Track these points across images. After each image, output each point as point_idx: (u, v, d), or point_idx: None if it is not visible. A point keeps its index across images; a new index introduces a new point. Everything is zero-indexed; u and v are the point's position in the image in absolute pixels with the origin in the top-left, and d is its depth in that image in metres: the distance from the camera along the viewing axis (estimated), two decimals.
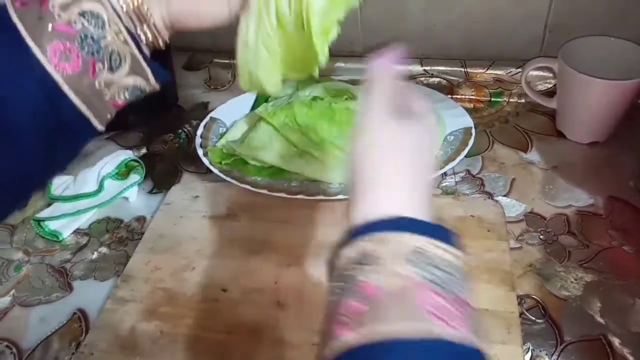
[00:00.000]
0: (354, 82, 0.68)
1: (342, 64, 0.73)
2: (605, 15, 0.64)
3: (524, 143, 0.63)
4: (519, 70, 0.67)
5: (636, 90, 0.56)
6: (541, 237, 0.51)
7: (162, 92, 0.74)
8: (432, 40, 0.70)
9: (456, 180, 0.59)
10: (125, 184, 0.60)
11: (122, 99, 0.33)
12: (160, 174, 0.63)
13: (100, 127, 0.33)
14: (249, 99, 0.69)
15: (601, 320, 0.44)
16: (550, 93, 0.65)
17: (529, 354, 0.42)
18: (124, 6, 0.31)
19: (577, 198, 0.55)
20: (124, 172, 0.62)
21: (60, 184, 0.60)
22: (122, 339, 0.45)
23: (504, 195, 0.56)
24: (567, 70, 0.57)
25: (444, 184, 0.58)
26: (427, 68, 0.71)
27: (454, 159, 0.57)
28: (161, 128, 0.71)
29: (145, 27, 0.33)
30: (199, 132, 0.64)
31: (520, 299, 0.46)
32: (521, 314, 0.44)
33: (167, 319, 0.46)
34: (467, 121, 0.61)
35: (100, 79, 0.31)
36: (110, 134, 0.70)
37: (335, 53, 0.73)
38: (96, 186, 0.59)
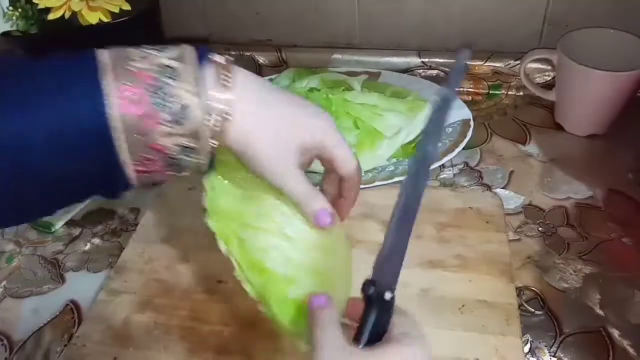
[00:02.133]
0: (350, 74, 0.67)
1: (339, 56, 0.72)
2: (604, 7, 0.63)
3: (523, 135, 0.62)
4: (518, 62, 0.66)
5: (635, 82, 0.55)
6: (540, 229, 0.51)
7: None
8: (431, 32, 0.70)
9: (454, 172, 0.58)
10: None
11: (169, 153, 0.31)
12: None
13: (131, 178, 0.31)
14: None
15: (600, 312, 0.44)
16: (548, 85, 0.65)
17: (528, 345, 0.42)
18: (212, 120, 0.31)
19: (576, 190, 0.55)
20: None
21: None
22: (115, 330, 0.44)
23: (503, 188, 0.56)
24: (566, 62, 0.57)
25: (441, 176, 0.58)
26: (425, 60, 0.70)
27: (452, 151, 0.56)
28: None
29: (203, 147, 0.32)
30: None
31: (519, 291, 0.45)
32: (520, 305, 0.44)
33: (161, 310, 0.45)
34: (466, 113, 0.61)
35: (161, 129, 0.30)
36: None
37: (333, 45, 0.73)
38: None
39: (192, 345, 0.42)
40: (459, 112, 0.61)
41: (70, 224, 0.56)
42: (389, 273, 0.33)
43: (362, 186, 0.53)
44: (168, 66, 0.30)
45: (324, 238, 0.39)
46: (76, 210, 0.57)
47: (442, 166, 0.58)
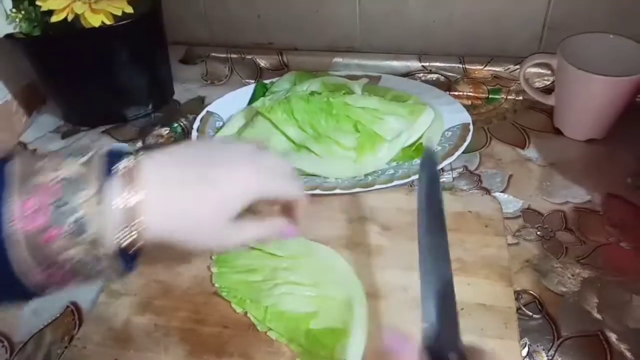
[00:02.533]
0: (351, 78, 0.68)
1: (340, 60, 0.73)
2: (604, 13, 0.64)
3: (522, 140, 0.63)
4: (517, 67, 0.67)
5: (634, 87, 0.56)
6: (538, 233, 0.51)
7: (158, 86, 0.74)
8: (431, 36, 0.70)
9: (454, 176, 0.58)
10: None
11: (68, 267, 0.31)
12: None
13: (36, 287, 0.31)
14: (246, 93, 0.69)
15: (598, 316, 0.44)
16: (548, 90, 0.65)
17: (526, 349, 0.42)
18: (120, 203, 0.31)
19: (575, 194, 0.55)
20: None
21: None
22: (115, 332, 0.44)
23: (502, 192, 0.56)
24: (566, 67, 0.57)
25: (441, 180, 0.58)
26: (426, 64, 0.71)
27: (452, 155, 0.57)
28: (156, 122, 0.70)
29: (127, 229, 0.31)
30: (195, 126, 0.63)
31: (518, 295, 0.45)
32: (518, 309, 0.44)
33: (161, 312, 0.45)
34: (465, 117, 0.61)
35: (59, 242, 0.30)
36: (105, 128, 0.70)
37: (333, 48, 0.74)
38: None
39: (192, 347, 0.42)
40: (459, 115, 0.62)
41: None
42: (447, 327, 0.30)
43: (362, 189, 0.53)
44: (74, 174, 0.30)
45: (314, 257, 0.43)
46: None
47: (442, 170, 0.58)
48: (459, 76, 0.70)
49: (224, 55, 0.76)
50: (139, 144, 0.66)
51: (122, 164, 0.32)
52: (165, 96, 0.74)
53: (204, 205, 0.34)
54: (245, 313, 0.44)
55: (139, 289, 0.47)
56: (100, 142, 0.67)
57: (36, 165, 0.30)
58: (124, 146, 0.34)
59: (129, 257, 0.32)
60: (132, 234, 0.31)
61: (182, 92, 0.76)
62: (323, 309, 0.43)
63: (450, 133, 0.60)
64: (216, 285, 0.47)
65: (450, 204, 0.53)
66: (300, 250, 0.48)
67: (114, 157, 0.32)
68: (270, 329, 0.43)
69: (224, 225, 0.35)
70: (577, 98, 0.59)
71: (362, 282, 0.45)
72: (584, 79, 0.56)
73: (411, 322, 0.43)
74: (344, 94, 0.61)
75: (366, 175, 0.56)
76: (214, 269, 0.48)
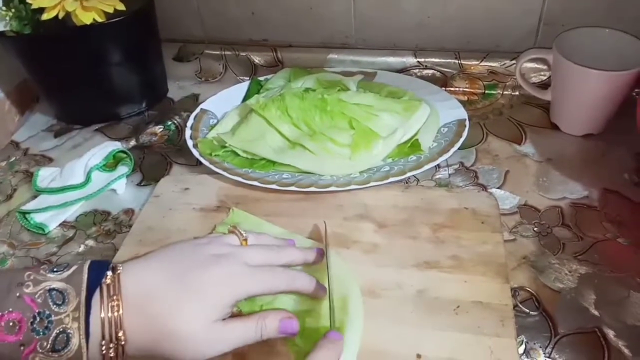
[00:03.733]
0: (346, 74, 0.67)
1: (335, 56, 0.72)
2: (600, 7, 0.63)
3: (518, 135, 0.62)
4: (514, 62, 0.66)
5: (631, 82, 0.55)
6: (535, 229, 0.51)
7: (151, 83, 0.74)
8: (426, 32, 0.70)
9: (449, 172, 0.58)
10: (113, 175, 0.59)
11: None
12: (149, 166, 0.62)
13: None
14: (240, 90, 0.69)
15: (596, 313, 0.43)
16: (544, 85, 0.65)
17: (523, 346, 0.42)
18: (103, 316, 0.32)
19: (572, 190, 0.55)
20: (111, 163, 0.60)
21: (46, 175, 0.59)
22: None
23: (498, 188, 0.56)
24: (562, 61, 0.56)
25: (437, 176, 0.57)
26: (421, 60, 0.70)
27: (447, 151, 0.56)
28: (150, 120, 0.69)
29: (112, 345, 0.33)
30: (189, 124, 0.62)
31: (515, 291, 0.45)
32: (515, 306, 0.44)
33: None
34: (461, 113, 0.61)
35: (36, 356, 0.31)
36: (98, 126, 0.69)
37: (328, 45, 0.73)
38: (83, 178, 0.58)
39: None
40: (455, 112, 0.61)
41: (64, 225, 0.55)
42: None
43: (357, 187, 0.53)
44: (55, 289, 0.31)
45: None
46: (70, 211, 0.56)
47: (438, 166, 0.58)
48: (454, 72, 0.69)
49: (218, 53, 0.75)
50: (132, 142, 0.66)
51: (103, 280, 0.33)
52: (159, 94, 0.73)
53: (184, 314, 0.34)
54: (240, 312, 0.44)
55: None
56: (93, 141, 0.66)
57: (21, 277, 0.31)
58: (105, 261, 0.36)
59: None
60: (113, 348, 0.32)
61: (176, 90, 0.75)
62: (318, 307, 0.43)
63: (446, 129, 0.59)
64: None
65: (446, 200, 0.53)
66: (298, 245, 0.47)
67: (95, 271, 0.33)
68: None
69: (206, 333, 0.35)
70: (574, 93, 0.58)
71: (358, 280, 0.45)
72: (580, 74, 0.56)
73: (406, 320, 0.43)
74: (339, 90, 0.61)
75: (361, 172, 0.55)
76: None
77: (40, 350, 0.30)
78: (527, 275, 0.47)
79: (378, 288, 0.45)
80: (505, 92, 0.68)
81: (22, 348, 0.30)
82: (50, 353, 0.30)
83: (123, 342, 0.33)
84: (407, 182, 0.56)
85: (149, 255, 0.38)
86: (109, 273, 0.34)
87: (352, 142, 0.56)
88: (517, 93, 0.68)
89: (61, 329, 0.30)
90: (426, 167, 0.54)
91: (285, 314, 0.39)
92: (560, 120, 0.62)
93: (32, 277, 0.31)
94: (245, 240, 0.42)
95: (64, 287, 0.31)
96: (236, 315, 0.41)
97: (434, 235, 0.49)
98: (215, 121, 0.64)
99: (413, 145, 0.57)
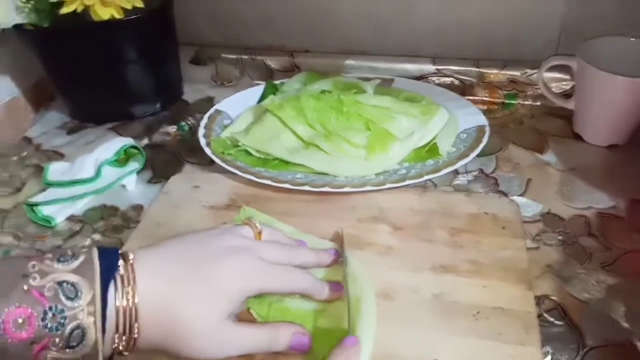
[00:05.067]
0: (364, 80, 0.66)
1: (352, 62, 0.71)
2: (622, 16, 0.62)
3: (540, 144, 0.60)
4: (535, 71, 0.65)
5: None
6: (560, 237, 0.48)
7: (167, 84, 0.73)
8: (445, 39, 0.69)
9: (468, 179, 0.56)
10: (124, 171, 0.58)
11: None
12: (161, 164, 0.61)
13: None
14: (255, 93, 0.68)
15: (626, 325, 0.41)
16: (566, 95, 0.63)
17: (549, 357, 0.39)
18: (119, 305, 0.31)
19: (597, 200, 0.52)
20: (122, 159, 0.59)
21: (57, 169, 0.58)
22: None
23: (520, 195, 0.53)
24: (587, 68, 0.55)
25: (455, 182, 0.55)
26: (440, 67, 0.69)
27: (467, 156, 0.54)
28: (164, 120, 0.69)
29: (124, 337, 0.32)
30: (202, 123, 0.62)
31: (538, 300, 0.42)
32: (539, 315, 0.41)
33: None
34: (481, 119, 0.59)
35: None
36: (112, 125, 0.68)
37: (346, 51, 0.72)
38: (93, 172, 0.57)
39: None
40: (474, 118, 0.60)
41: (71, 219, 0.54)
42: None
43: (372, 188, 0.51)
44: (66, 282, 0.29)
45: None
46: (78, 205, 0.55)
47: (456, 172, 0.56)
48: (474, 80, 0.68)
49: (234, 57, 0.75)
50: (145, 141, 0.65)
51: (117, 271, 0.31)
52: (175, 95, 0.73)
53: (195, 304, 0.33)
54: (248, 309, 0.41)
55: None
56: (106, 139, 0.65)
57: (27, 268, 0.29)
58: (112, 249, 0.34)
59: None
60: (126, 341, 0.31)
61: (191, 93, 0.75)
62: (331, 307, 0.40)
63: (465, 135, 0.58)
64: None
65: (465, 205, 0.51)
66: (310, 246, 0.45)
67: (105, 259, 0.31)
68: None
69: (215, 329, 0.33)
70: (598, 101, 0.57)
71: (372, 282, 0.43)
72: (606, 80, 0.54)
73: (422, 324, 0.40)
74: (355, 92, 0.60)
75: (377, 174, 0.54)
76: None
77: (54, 348, 0.28)
78: (552, 284, 0.44)
79: (392, 291, 0.43)
80: (526, 102, 0.67)
81: (33, 345, 0.28)
82: (64, 350, 0.29)
83: (136, 334, 0.31)
84: (424, 187, 0.54)
85: (161, 243, 0.36)
86: (122, 262, 0.32)
87: (368, 144, 0.54)
88: (538, 103, 0.66)
89: (76, 325, 0.29)
90: (445, 170, 0.53)
91: (299, 328, 0.37)
92: (584, 130, 0.60)
93: (37, 268, 0.29)
94: (260, 233, 0.41)
95: (76, 279, 0.29)
96: (245, 318, 0.39)
97: (451, 240, 0.47)
98: (230, 122, 0.63)
99: (431, 149, 0.56)
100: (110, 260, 0.32)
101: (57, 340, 0.28)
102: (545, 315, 0.42)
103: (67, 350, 0.29)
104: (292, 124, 0.56)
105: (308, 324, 0.39)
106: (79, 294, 0.29)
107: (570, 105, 0.61)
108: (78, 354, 0.29)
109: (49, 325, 0.28)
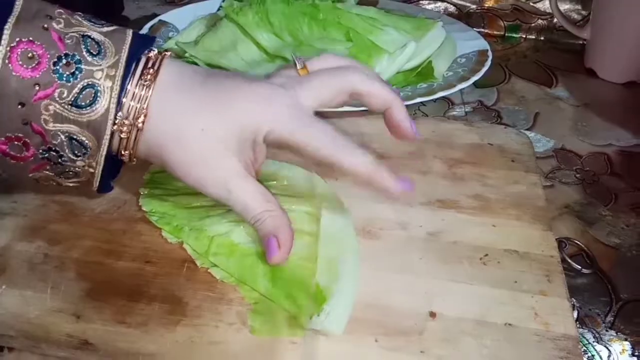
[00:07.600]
0: None
1: None
2: None
3: (548, 78, 0.51)
4: None
5: None
6: (577, 175, 0.40)
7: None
8: None
9: (466, 110, 0.46)
10: None
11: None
12: None
13: None
14: (211, 5, 0.56)
15: None
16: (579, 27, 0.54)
17: (576, 312, 0.30)
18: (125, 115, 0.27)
19: (619, 137, 0.44)
20: None
21: None
22: None
23: (527, 130, 0.44)
24: None
25: (451, 113, 0.46)
26: None
27: (467, 79, 0.45)
28: None
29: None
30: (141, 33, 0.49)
31: (559, 243, 0.33)
32: (562, 260, 0.32)
33: (57, 239, 0.31)
34: (482, 44, 0.50)
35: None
36: None
37: None
38: None
39: (93, 286, 0.29)
40: (474, 42, 0.50)
41: None
42: None
43: (352, 109, 0.41)
44: (91, 38, 0.26)
45: None
46: None
47: (451, 103, 0.47)
48: (472, 6, 0.58)
49: None
50: None
51: (147, 53, 0.28)
52: (112, 10, 0.60)
53: (201, 118, 0.28)
54: (181, 244, 0.31)
55: (31, 210, 0.33)
56: None
57: (53, 10, 0.26)
58: (149, 37, 0.30)
59: (111, 167, 0.28)
60: (127, 128, 0.27)
61: (133, 10, 0.62)
62: (296, 245, 0.30)
63: (464, 59, 0.48)
64: (144, 208, 0.33)
65: (465, 134, 0.41)
66: (272, 169, 0.35)
67: (139, 41, 0.28)
68: (214, 266, 0.29)
69: (213, 159, 0.28)
70: (619, 28, 0.48)
71: (352, 216, 0.33)
72: (630, 2, 0.45)
73: (413, 269, 0.31)
74: (334, 1, 0.49)
75: None
76: (143, 191, 0.35)
77: (59, 99, 0.25)
78: (573, 226, 0.35)
79: (375, 227, 0.33)
80: (529, 36, 0.58)
81: (36, 88, 0.25)
82: (68, 107, 0.25)
83: (141, 125, 0.27)
84: (414, 114, 0.45)
85: (195, 66, 0.32)
86: (155, 51, 0.28)
87: (349, 56, 0.43)
88: (542, 38, 0.57)
89: (89, 82, 0.26)
90: (441, 93, 0.43)
91: (289, 227, 0.29)
92: (598, 65, 0.51)
93: (64, 17, 0.26)
94: (305, 68, 0.31)
95: (103, 39, 0.26)
96: (178, 245, 0.29)
97: (449, 171, 0.38)
98: (175, 34, 0.51)
99: (424, 70, 0.46)
100: (141, 44, 0.28)
101: (64, 92, 0.25)
102: (569, 260, 0.33)
103: (72, 108, 0.26)
104: (253, 32, 0.45)
105: (261, 265, 0.29)
106: (102, 53, 0.26)
107: (585, 34, 0.52)
108: (84, 117, 0.26)
109: (60, 72, 0.25)
